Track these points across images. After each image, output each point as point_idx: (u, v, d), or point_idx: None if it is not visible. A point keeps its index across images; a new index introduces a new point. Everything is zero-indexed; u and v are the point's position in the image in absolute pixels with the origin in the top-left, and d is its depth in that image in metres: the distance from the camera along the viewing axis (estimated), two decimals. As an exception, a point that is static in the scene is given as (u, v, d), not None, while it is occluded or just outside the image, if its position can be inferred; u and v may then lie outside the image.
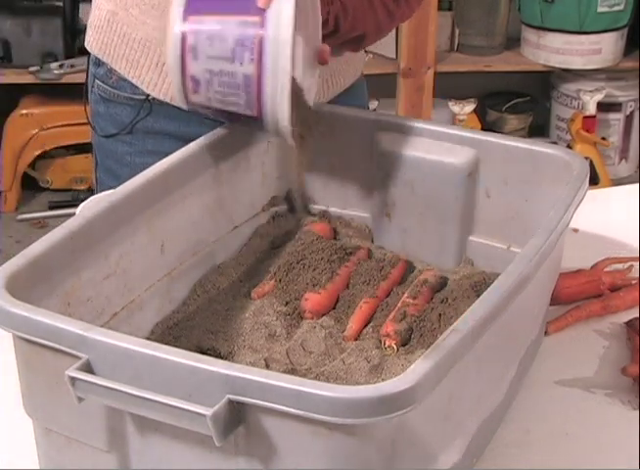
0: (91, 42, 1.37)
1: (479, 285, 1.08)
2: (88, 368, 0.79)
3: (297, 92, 1.05)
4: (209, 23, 1.00)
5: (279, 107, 0.99)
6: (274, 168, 1.23)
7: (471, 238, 1.18)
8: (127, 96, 1.35)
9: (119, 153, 1.38)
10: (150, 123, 1.35)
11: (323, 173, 1.25)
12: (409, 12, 1.33)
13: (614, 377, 1.13)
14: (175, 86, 1.03)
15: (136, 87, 1.33)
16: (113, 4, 1.32)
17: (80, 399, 0.80)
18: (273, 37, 0.97)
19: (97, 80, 1.38)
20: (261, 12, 0.98)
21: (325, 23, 1.16)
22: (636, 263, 1.31)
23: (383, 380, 0.93)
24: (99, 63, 1.37)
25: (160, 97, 1.32)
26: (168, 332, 1.05)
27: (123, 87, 1.35)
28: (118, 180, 1.06)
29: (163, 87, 1.31)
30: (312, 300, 1.07)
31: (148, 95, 1.33)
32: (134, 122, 1.35)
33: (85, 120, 1.44)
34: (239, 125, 1.12)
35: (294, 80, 1.07)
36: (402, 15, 1.32)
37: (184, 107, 1.06)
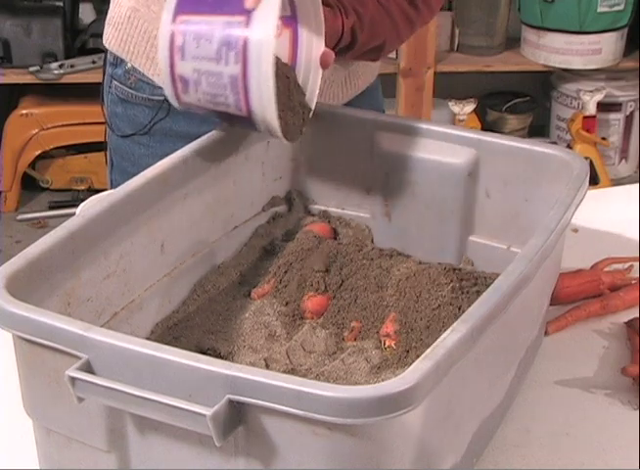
0: (110, 39, 1.36)
1: (478, 285, 1.08)
2: (88, 368, 0.79)
3: (297, 93, 1.05)
4: (197, 24, 1.00)
5: (266, 107, 0.99)
6: (274, 168, 1.22)
7: (471, 238, 1.19)
8: (145, 97, 1.34)
9: (136, 155, 1.37)
10: (168, 125, 1.34)
11: (323, 173, 1.25)
12: (430, 15, 1.31)
13: (614, 377, 1.13)
14: (166, 86, 1.03)
15: (155, 88, 1.33)
16: (134, 1, 1.32)
17: (80, 399, 0.80)
18: (257, 38, 0.97)
19: (115, 81, 1.37)
20: (247, 12, 0.98)
21: (341, 36, 1.16)
22: (636, 263, 1.31)
23: (383, 380, 0.93)
24: (116, 63, 1.36)
25: None
26: (168, 332, 1.05)
27: (142, 88, 1.34)
28: None
29: None
30: (312, 300, 1.07)
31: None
32: (152, 123, 1.35)
33: (85, 121, 1.44)
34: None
35: (294, 81, 1.07)
36: (423, 19, 1.31)
37: (176, 106, 1.06)
